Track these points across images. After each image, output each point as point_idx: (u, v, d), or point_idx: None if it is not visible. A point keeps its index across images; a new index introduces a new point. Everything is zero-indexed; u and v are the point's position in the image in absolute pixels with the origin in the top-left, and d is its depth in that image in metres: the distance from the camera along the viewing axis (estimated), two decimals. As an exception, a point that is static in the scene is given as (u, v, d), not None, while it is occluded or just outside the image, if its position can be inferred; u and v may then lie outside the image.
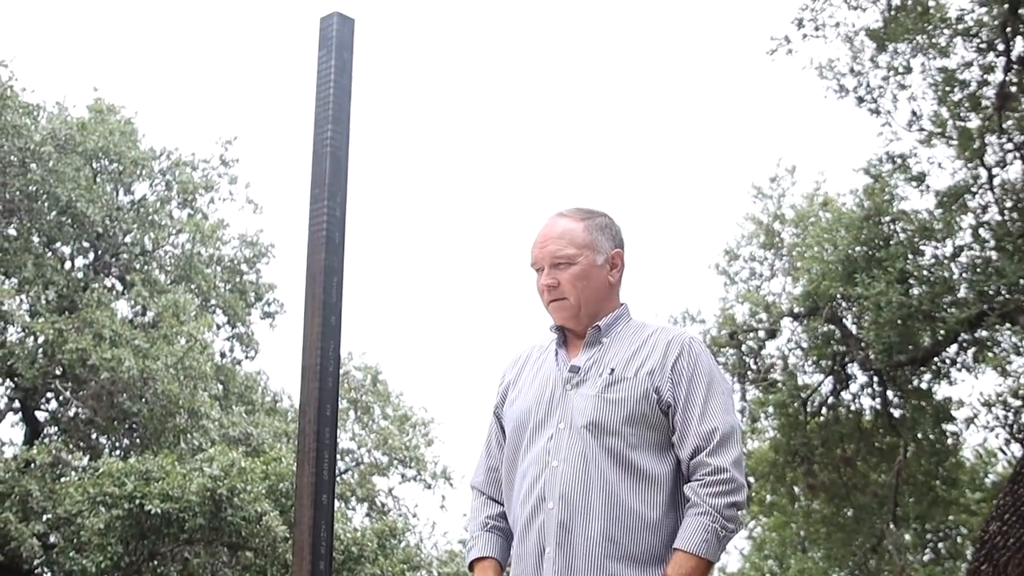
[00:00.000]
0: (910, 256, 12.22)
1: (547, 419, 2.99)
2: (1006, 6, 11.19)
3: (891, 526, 13.90)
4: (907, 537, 16.14)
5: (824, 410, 14.05)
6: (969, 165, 12.47)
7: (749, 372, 14.42)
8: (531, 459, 2.98)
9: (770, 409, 14.21)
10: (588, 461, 2.89)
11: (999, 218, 12.58)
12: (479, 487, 3.19)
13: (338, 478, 20.77)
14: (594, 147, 49.62)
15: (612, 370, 2.98)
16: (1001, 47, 11.61)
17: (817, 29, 12.12)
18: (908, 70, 12.41)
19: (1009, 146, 12.30)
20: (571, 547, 2.84)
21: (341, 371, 21.17)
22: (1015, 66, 11.60)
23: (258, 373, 19.91)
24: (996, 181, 12.50)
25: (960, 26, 11.79)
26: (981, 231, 12.63)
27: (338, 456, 21.99)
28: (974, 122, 12.18)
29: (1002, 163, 12.49)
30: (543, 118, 52.47)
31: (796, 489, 14.57)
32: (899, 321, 11.79)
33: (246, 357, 19.96)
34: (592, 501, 2.86)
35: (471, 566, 3.08)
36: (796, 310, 13.91)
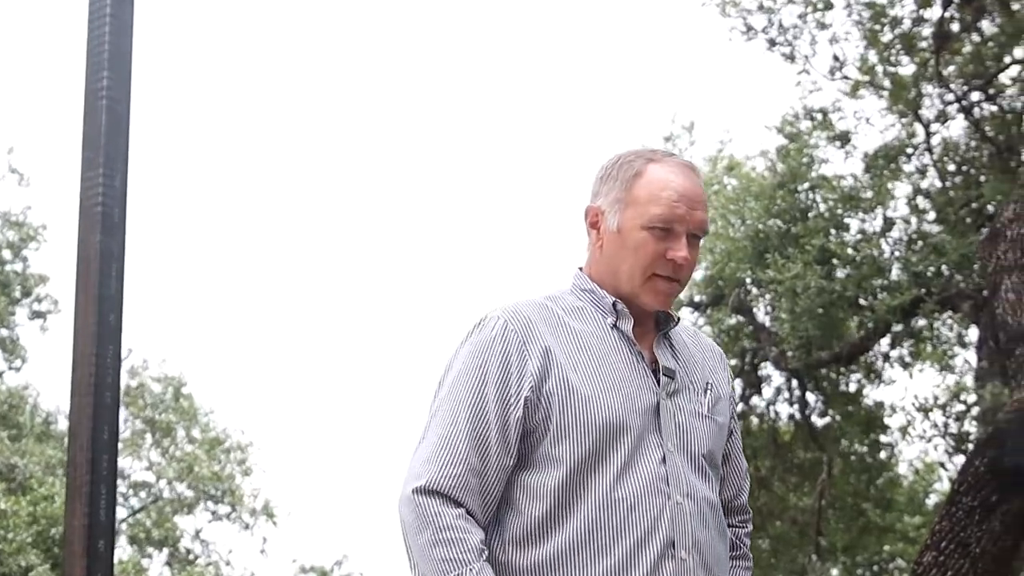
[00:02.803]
0: (832, 231, 12.50)
1: (648, 433, 2.79)
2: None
3: (814, 559, 14.25)
4: (834, 573, 16.57)
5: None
6: (903, 121, 12.80)
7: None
8: (640, 484, 2.74)
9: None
10: (711, 501, 2.83)
11: (939, 184, 12.95)
12: (454, 494, 2.72)
13: (133, 518, 20.48)
14: (435, 108, 49.56)
15: (708, 384, 2.93)
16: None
17: (718, -49, 12.34)
18: (829, 5, 12.63)
19: (950, 97, 12.60)
20: None
21: (134, 383, 20.93)
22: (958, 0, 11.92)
23: (25, 388, 19.52)
24: (935, 140, 12.87)
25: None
26: (918, 200, 12.98)
27: (133, 490, 21.67)
28: (908, 68, 12.47)
29: (942, 118, 12.84)
30: (368, 72, 52.13)
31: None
32: (820, 310, 12.05)
33: (10, 368, 19.57)
34: (720, 554, 2.83)
35: None
36: (697, 298, 14.14)
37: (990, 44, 12.55)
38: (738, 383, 14.22)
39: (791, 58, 12.95)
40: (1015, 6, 12.24)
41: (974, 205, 12.41)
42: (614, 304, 2.85)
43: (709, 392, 2.89)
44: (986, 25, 12.47)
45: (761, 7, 12.88)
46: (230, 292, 47.03)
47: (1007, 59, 12.62)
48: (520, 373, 2.75)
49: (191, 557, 19.91)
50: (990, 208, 12.05)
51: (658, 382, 2.81)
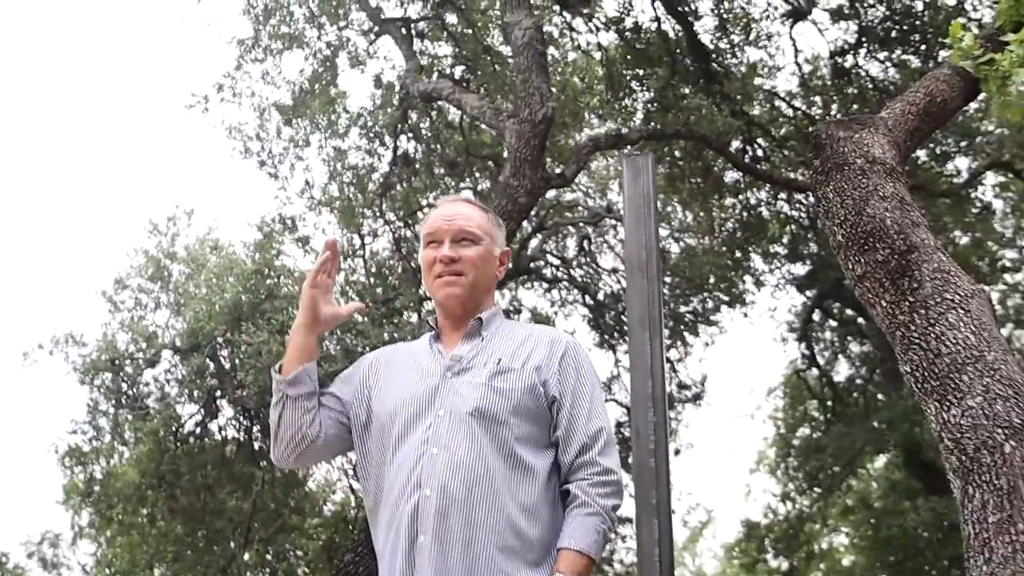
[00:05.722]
0: (290, 310, 13.31)
1: (426, 409, 2.84)
2: (400, 112, 12.97)
3: (243, 548, 14.87)
4: (247, 557, 17.18)
5: (192, 439, 14.77)
6: (346, 232, 13.88)
7: (125, 398, 14.76)
8: (407, 449, 2.81)
9: (141, 435, 14.63)
10: (473, 448, 2.75)
11: (364, 281, 14.09)
12: None
13: None
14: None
15: (499, 360, 2.89)
16: (390, 143, 13.41)
17: (235, 95, 13.22)
18: (307, 143, 13.71)
19: (381, 221, 13.93)
20: (449, 537, 2.68)
21: None
22: (399, 160, 13.41)
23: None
24: (367, 251, 14.08)
25: (360, 120, 13.35)
26: (348, 290, 13.92)
27: None
28: (360, 200, 13.68)
29: (373, 234, 14.05)
30: None
31: (155, 511, 15.06)
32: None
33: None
34: (475, 491, 2.71)
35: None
36: (178, 344, 14.50)
37: (415, 191, 13.94)
38: (200, 411, 14.71)
39: (275, 177, 13.91)
40: (437, 170, 13.90)
41: (390, 304, 13.58)
42: (427, 322, 3.09)
43: (498, 365, 2.87)
44: (416, 181, 13.93)
45: (258, 136, 13.78)
46: None
47: (423, 202, 13.92)
48: (353, 383, 3.03)
49: None
50: (397, 304, 13.14)
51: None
